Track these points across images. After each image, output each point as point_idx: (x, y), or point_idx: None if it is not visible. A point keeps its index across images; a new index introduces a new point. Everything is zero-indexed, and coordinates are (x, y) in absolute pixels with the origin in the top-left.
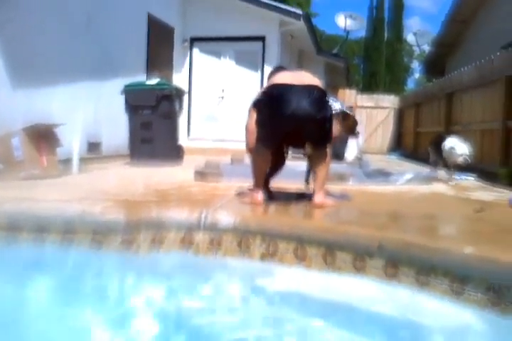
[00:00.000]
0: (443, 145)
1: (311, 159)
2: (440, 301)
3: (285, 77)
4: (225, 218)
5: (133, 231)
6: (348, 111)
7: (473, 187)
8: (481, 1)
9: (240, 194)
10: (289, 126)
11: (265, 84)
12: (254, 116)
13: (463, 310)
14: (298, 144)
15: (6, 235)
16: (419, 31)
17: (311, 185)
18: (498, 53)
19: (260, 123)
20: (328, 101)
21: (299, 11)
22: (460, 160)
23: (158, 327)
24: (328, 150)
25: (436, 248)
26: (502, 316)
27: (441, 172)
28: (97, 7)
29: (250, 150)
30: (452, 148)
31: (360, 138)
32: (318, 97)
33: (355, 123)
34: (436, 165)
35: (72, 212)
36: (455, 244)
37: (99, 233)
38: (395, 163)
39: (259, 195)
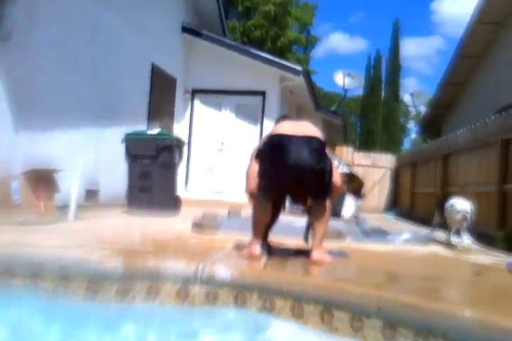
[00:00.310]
0: (446, 204)
1: (310, 213)
2: None
3: (286, 127)
4: (222, 272)
5: (129, 280)
6: (354, 173)
7: (471, 249)
8: (475, 65)
9: (238, 247)
10: (289, 176)
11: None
12: (255, 162)
13: None
14: (298, 196)
15: None
16: (416, 92)
17: (310, 243)
18: (493, 117)
19: (261, 173)
20: (327, 154)
21: (298, 67)
22: (459, 216)
23: None
24: (328, 205)
25: (435, 310)
26: None
27: (440, 234)
28: (103, 54)
29: (250, 194)
30: (452, 206)
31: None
32: (318, 148)
33: (361, 184)
34: (439, 227)
35: (68, 259)
36: (454, 307)
37: (94, 281)
38: (391, 222)
39: (258, 249)
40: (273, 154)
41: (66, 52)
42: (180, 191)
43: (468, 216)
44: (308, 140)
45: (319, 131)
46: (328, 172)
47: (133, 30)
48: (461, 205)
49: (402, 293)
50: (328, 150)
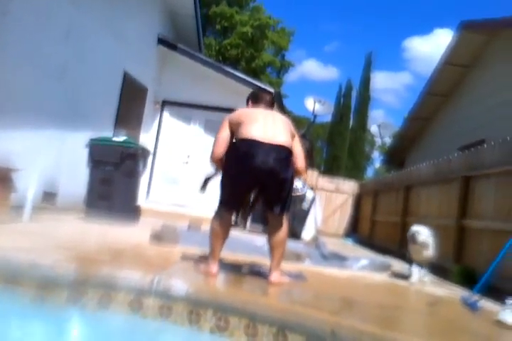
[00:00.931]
0: (408, 233)
1: (268, 232)
2: None
3: (257, 130)
4: (178, 285)
5: (81, 287)
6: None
7: (427, 281)
8: (442, 102)
9: (196, 262)
10: (251, 181)
11: (242, 107)
12: (224, 129)
13: None
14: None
15: None
16: (383, 124)
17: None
18: (456, 154)
19: (223, 183)
20: (292, 166)
21: (271, 89)
22: (420, 241)
23: None
24: (285, 224)
25: (391, 339)
26: None
27: (397, 263)
28: (75, 56)
29: (216, 161)
30: (413, 235)
31: (319, 219)
32: (285, 159)
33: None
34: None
35: (19, 261)
36: (406, 336)
37: (44, 287)
38: (350, 247)
39: (215, 268)
40: (239, 158)
41: (37, 51)
42: (141, 201)
43: (419, 237)
44: (278, 149)
45: (289, 124)
46: (289, 185)
47: (108, 35)
48: (424, 233)
49: (358, 320)
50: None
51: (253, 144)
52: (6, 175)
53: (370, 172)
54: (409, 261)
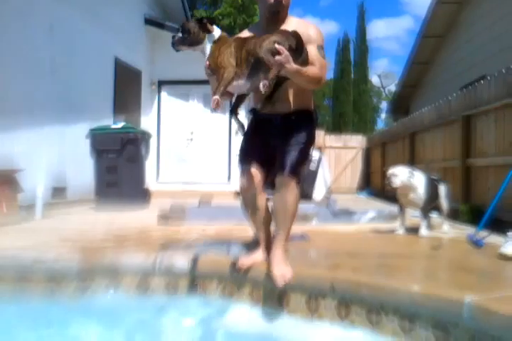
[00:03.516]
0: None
1: (273, 201)
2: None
3: None
4: (180, 262)
5: (87, 276)
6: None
7: (435, 224)
8: (439, 44)
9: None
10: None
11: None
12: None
13: None
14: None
15: None
16: (384, 73)
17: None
18: (455, 95)
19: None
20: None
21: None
22: (386, 181)
23: None
24: (295, 192)
25: (386, 287)
26: None
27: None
28: (62, 50)
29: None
30: (393, 175)
31: (328, 178)
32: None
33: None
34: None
35: (25, 259)
36: (404, 283)
37: (52, 280)
38: (363, 201)
39: (260, 255)
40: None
41: (24, 48)
42: (152, 183)
43: (395, 179)
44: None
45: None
46: (307, 135)
47: (93, 23)
48: (400, 177)
49: (357, 273)
50: None
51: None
52: (10, 176)
53: (380, 124)
54: (400, 207)
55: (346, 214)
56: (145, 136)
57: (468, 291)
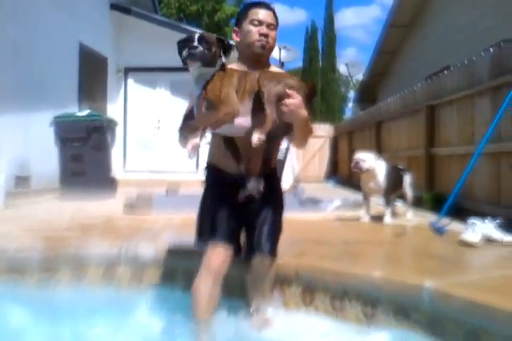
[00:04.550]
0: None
1: (250, 276)
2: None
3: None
4: (146, 251)
5: (51, 266)
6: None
7: (399, 212)
8: (405, 34)
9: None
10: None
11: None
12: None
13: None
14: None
15: None
16: (351, 62)
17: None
18: (419, 85)
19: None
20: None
21: (232, 42)
22: (350, 165)
23: None
24: (274, 265)
25: (348, 273)
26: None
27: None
28: (25, 34)
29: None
30: (361, 160)
31: (296, 167)
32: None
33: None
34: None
35: None
36: (365, 269)
37: (15, 271)
38: (329, 190)
39: None
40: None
41: None
42: (119, 172)
43: (364, 164)
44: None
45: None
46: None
47: (57, 7)
48: (367, 162)
49: (321, 259)
50: None
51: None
52: None
53: (348, 113)
54: (365, 195)
55: (313, 202)
56: (111, 124)
57: (429, 276)
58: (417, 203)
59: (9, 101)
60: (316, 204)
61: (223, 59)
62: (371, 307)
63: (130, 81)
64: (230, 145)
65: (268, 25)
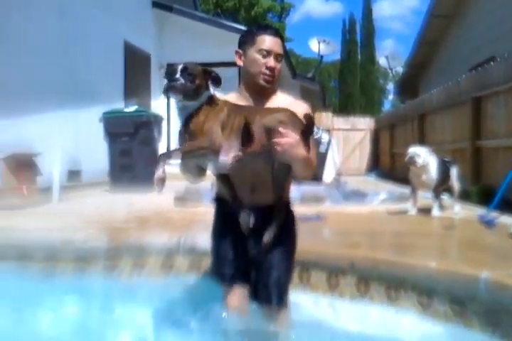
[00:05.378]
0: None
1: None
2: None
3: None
4: (203, 242)
5: (115, 257)
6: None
7: (446, 205)
8: (448, 24)
9: None
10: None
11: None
12: None
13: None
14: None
15: None
16: (391, 54)
17: None
18: (464, 76)
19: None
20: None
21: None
22: (406, 159)
23: None
24: (288, 314)
25: (404, 263)
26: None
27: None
28: (72, 35)
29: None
30: (415, 154)
31: (337, 160)
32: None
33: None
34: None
35: (54, 240)
36: (422, 260)
37: (82, 260)
38: (372, 183)
39: None
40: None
41: (34, 34)
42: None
43: (419, 159)
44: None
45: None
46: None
47: (101, 7)
48: (411, 149)
49: (375, 250)
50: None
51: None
52: (29, 160)
53: (387, 105)
54: (412, 189)
55: (357, 195)
56: (157, 119)
57: (482, 268)
58: (463, 196)
59: (60, 98)
60: (361, 197)
61: (212, 91)
62: (427, 297)
63: None
64: (222, 176)
65: (276, 56)
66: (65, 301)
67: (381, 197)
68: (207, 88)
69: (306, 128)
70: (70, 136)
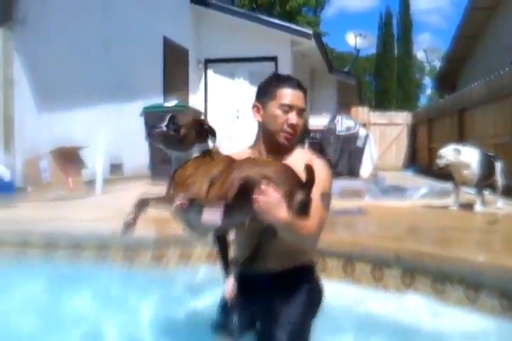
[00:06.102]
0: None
1: None
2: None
3: None
4: None
5: (162, 246)
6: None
7: (488, 200)
8: (488, 16)
9: None
10: None
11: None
12: None
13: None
14: None
15: (42, 252)
16: (429, 48)
17: None
18: (507, 69)
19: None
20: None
21: (309, 31)
22: (441, 162)
23: None
24: None
25: (451, 257)
26: None
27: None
28: (114, 32)
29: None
30: (442, 154)
31: (375, 155)
32: None
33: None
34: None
35: (104, 230)
36: (468, 253)
37: (130, 250)
38: (409, 178)
39: None
40: None
41: (78, 31)
42: None
43: (440, 160)
44: None
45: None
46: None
47: (141, 5)
48: (441, 151)
49: (419, 243)
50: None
51: None
52: (75, 153)
53: (423, 100)
54: (455, 184)
55: (397, 190)
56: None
57: None
58: (507, 191)
59: (102, 95)
60: (400, 191)
61: (211, 144)
62: (474, 290)
63: (210, 72)
64: (219, 238)
65: (299, 111)
66: (112, 287)
67: (422, 191)
68: (202, 141)
69: (309, 189)
70: (112, 131)
